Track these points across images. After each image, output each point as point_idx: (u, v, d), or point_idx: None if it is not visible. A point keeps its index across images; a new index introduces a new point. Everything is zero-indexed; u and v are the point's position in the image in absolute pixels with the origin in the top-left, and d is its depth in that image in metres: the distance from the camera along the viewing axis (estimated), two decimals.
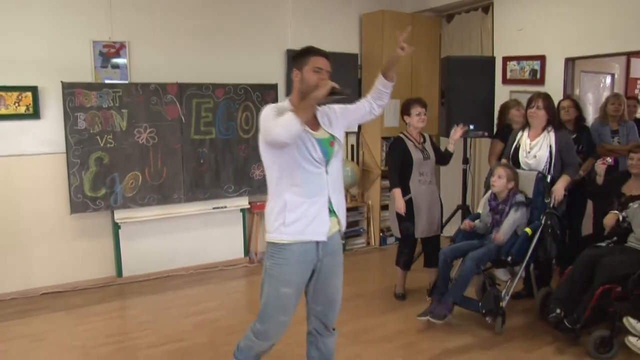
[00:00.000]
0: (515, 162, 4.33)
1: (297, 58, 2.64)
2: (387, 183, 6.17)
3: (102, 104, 4.88)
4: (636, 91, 7.00)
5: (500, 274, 4.70)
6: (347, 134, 6.30)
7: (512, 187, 4.14)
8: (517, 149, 4.33)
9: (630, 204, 3.96)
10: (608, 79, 6.60)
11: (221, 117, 5.42)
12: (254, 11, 5.78)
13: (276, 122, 2.43)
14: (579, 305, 3.69)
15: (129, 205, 5.09)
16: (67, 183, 4.87)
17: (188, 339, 3.99)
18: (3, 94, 4.67)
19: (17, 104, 4.73)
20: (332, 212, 2.68)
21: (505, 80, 5.78)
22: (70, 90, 4.76)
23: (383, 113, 6.09)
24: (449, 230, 5.26)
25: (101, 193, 4.97)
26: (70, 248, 5.09)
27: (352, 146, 6.53)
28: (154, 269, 5.38)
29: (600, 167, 4.35)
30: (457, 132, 4.59)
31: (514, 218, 4.04)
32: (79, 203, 4.89)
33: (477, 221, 4.31)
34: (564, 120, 4.80)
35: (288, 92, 5.87)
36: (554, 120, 4.21)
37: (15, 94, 4.71)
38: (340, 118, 2.77)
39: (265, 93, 5.60)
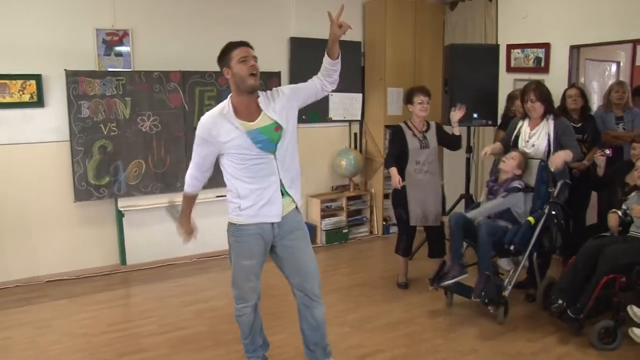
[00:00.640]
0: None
1: (222, 58, 2.78)
2: None
3: (105, 92, 4.85)
4: None
5: (504, 263, 4.67)
6: (350, 122, 6.37)
7: (518, 175, 4.09)
8: (517, 137, 4.28)
9: (630, 195, 3.89)
10: (613, 67, 6.51)
11: None
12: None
13: (189, 172, 2.95)
14: (583, 295, 3.63)
15: (132, 193, 5.08)
16: (71, 171, 4.86)
17: (189, 327, 3.97)
18: (7, 82, 4.63)
19: (21, 92, 4.69)
20: (285, 193, 2.87)
21: (509, 69, 5.73)
22: (73, 78, 4.74)
23: (386, 101, 6.10)
24: None
25: (105, 181, 4.95)
26: (74, 236, 5.07)
27: (355, 134, 6.50)
28: (157, 257, 5.35)
29: (599, 158, 4.30)
30: (456, 114, 4.51)
31: (495, 203, 4.02)
32: (83, 191, 4.88)
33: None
34: (570, 109, 4.74)
35: (292, 80, 5.85)
36: (551, 108, 4.15)
37: (20, 82, 4.68)
38: (291, 99, 2.88)
39: (269, 81, 5.53)
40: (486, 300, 3.90)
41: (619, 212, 3.85)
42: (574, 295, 3.67)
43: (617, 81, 5.34)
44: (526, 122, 4.24)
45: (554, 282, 4.02)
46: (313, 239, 6.06)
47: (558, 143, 4.06)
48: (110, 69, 4.98)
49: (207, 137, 2.79)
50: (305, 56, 5.81)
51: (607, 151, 4.37)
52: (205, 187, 5.08)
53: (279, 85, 5.59)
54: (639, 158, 4.09)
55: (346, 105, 6.24)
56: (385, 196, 6.33)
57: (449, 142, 4.56)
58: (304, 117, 5.78)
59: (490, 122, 5.18)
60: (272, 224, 2.87)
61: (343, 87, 5.96)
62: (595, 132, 4.73)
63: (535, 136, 4.14)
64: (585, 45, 5.22)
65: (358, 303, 4.37)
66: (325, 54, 2.84)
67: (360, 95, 6.33)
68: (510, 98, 5.08)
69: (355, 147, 6.48)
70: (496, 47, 5.33)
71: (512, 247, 3.90)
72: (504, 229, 3.98)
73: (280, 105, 2.84)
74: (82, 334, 3.88)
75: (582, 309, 3.61)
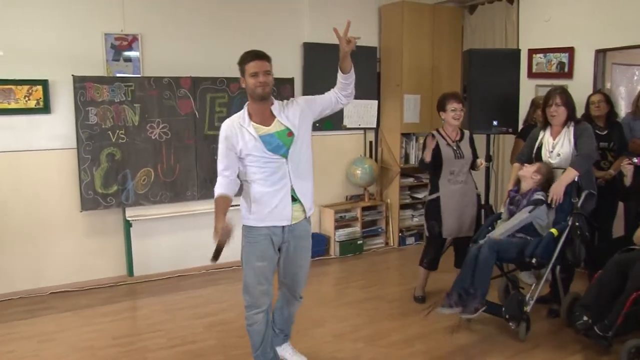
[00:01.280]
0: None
1: (239, 66, 3.02)
2: (406, 181, 6.32)
3: (114, 98, 4.85)
4: None
5: (525, 276, 4.75)
6: (365, 130, 6.34)
7: (538, 180, 4.00)
8: (539, 148, 4.19)
9: None
10: None
11: (236, 112, 5.24)
12: (270, 3, 5.73)
13: (219, 178, 3.05)
14: (611, 311, 3.53)
15: (140, 203, 5.05)
16: (77, 179, 4.84)
17: (198, 341, 3.93)
18: (13, 87, 4.63)
19: (27, 98, 4.69)
20: (296, 199, 3.07)
21: (530, 74, 5.67)
22: (81, 84, 4.73)
23: (403, 109, 6.07)
24: None
25: (112, 190, 4.93)
26: (80, 246, 5.06)
27: (371, 143, 6.46)
28: (166, 269, 5.35)
29: (626, 167, 4.22)
30: (481, 165, 4.50)
31: (519, 220, 3.91)
32: (90, 200, 4.86)
33: (499, 222, 4.16)
34: (594, 116, 4.67)
35: (305, 86, 5.84)
36: (573, 114, 4.07)
37: (26, 87, 4.67)
38: (305, 108, 3.10)
39: (282, 87, 5.53)
40: (507, 316, 3.82)
41: None
42: (599, 312, 3.58)
43: None
44: (547, 132, 4.15)
45: (579, 298, 3.92)
46: (326, 250, 6.03)
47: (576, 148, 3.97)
48: (119, 75, 4.97)
49: (226, 141, 3.02)
50: (319, 62, 5.80)
51: (635, 159, 4.27)
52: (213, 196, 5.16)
53: (292, 91, 5.61)
54: None
55: (361, 113, 6.21)
56: (402, 206, 6.32)
57: (473, 159, 4.52)
58: (317, 124, 5.40)
59: (510, 130, 5.11)
60: (283, 227, 3.08)
61: (358, 93, 5.84)
62: (622, 140, 4.64)
63: (559, 145, 4.06)
64: (611, 49, 5.12)
65: (372, 317, 4.33)
66: (338, 68, 3.02)
67: (376, 102, 6.30)
68: (534, 104, 5.02)
69: (371, 156, 6.45)
70: (517, 52, 5.25)
71: (533, 260, 3.80)
72: (523, 242, 3.89)
73: (293, 113, 3.05)
74: (87, 348, 3.86)
75: (610, 326, 3.50)
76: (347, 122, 6.15)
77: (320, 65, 5.72)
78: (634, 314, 3.49)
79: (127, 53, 5.05)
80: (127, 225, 5.12)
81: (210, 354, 3.73)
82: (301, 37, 5.89)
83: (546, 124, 4.17)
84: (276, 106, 3.06)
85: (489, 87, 5.01)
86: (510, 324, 3.85)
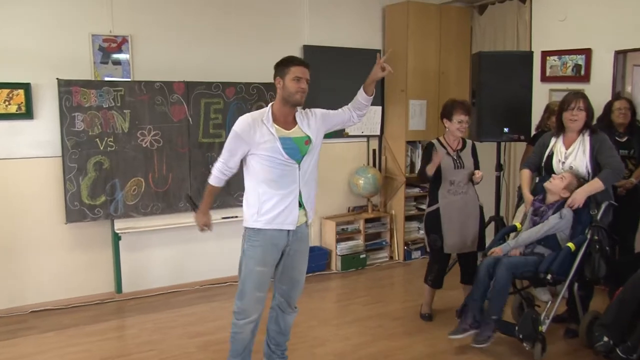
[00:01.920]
0: (549, 172, 4.08)
1: (279, 67, 3.17)
2: (411, 191, 6.33)
3: (102, 103, 4.80)
4: None
5: (540, 293, 4.66)
6: (368, 137, 6.35)
7: (567, 198, 3.90)
8: (550, 157, 4.09)
9: None
10: None
11: (232, 119, 5.25)
12: (268, 4, 5.70)
13: (219, 162, 3.25)
14: (634, 331, 3.43)
15: (130, 214, 5.01)
16: (62, 189, 4.77)
17: None
18: None
19: (7, 103, 4.64)
20: (301, 204, 3.24)
21: (544, 78, 5.61)
22: (66, 88, 4.68)
23: (408, 115, 6.06)
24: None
25: (100, 201, 4.87)
26: (64, 261, 4.98)
27: (374, 151, 6.43)
28: (157, 285, 5.30)
29: None
30: (479, 177, 4.41)
31: (549, 225, 3.83)
32: (76, 211, 4.80)
33: (512, 235, 4.12)
34: (617, 124, 4.60)
35: (313, 90, 5.72)
36: (590, 122, 3.99)
37: (6, 91, 4.62)
38: (321, 121, 3.31)
39: None
40: (521, 336, 3.74)
41: None
42: (621, 332, 3.49)
43: None
44: (560, 140, 4.04)
45: (599, 317, 3.83)
46: (327, 265, 6.00)
47: (595, 163, 3.86)
48: (107, 79, 4.94)
49: (243, 135, 3.11)
50: (319, 65, 5.73)
51: None
52: (211, 208, 5.19)
53: None
54: None
55: (364, 119, 5.94)
56: (407, 218, 6.29)
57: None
58: None
59: (522, 137, 5.04)
60: (288, 231, 3.22)
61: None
62: None
63: (572, 156, 3.95)
64: (632, 50, 5.03)
65: (376, 336, 4.28)
66: (362, 89, 3.30)
67: (380, 108, 6.27)
68: (548, 110, 4.95)
69: (374, 165, 6.41)
70: (530, 55, 5.19)
71: (548, 276, 3.73)
72: (539, 258, 3.82)
73: (313, 123, 3.27)
74: None
75: (634, 349, 3.40)
76: (349, 129, 6.12)
77: (321, 70, 5.67)
78: None
79: (116, 55, 5.01)
80: (116, 238, 5.07)
81: None
82: (301, 39, 5.88)
83: (559, 130, 4.05)
84: (299, 114, 3.25)
85: (499, 92, 4.97)
86: (525, 344, 3.77)
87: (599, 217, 3.82)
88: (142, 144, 4.97)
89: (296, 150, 3.17)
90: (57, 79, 4.65)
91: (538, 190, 4.14)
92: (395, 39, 6.15)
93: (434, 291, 4.58)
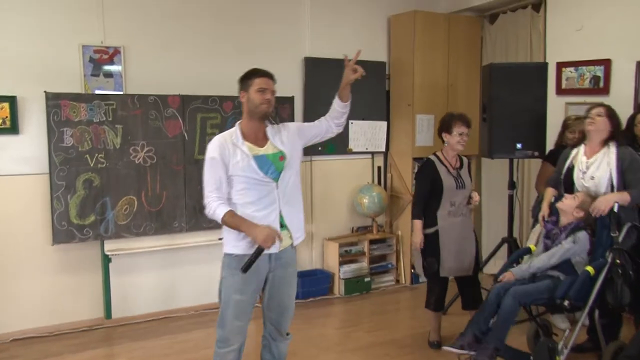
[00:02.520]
0: (569, 187, 4.02)
1: (243, 81, 3.18)
2: None
3: (92, 117, 4.78)
4: None
5: (558, 320, 4.55)
6: (373, 154, 6.32)
7: (580, 218, 3.83)
8: (570, 169, 4.03)
9: None
10: None
11: None
12: (267, 14, 5.69)
13: (210, 200, 3.07)
14: None
15: (122, 235, 4.97)
16: (49, 208, 4.72)
17: None
18: None
19: None
20: (283, 225, 3.18)
21: (559, 91, 5.53)
22: (55, 101, 4.65)
23: (415, 131, 6.04)
24: (493, 268, 5.06)
25: (90, 220, 4.82)
26: (50, 285, 4.92)
27: (379, 168, 6.39)
28: (149, 310, 5.23)
29: None
30: (477, 200, 4.44)
31: (563, 251, 3.76)
32: (63, 232, 4.75)
33: (526, 258, 4.05)
34: None
35: (306, 105, 5.81)
36: (616, 133, 3.91)
37: None
38: (295, 135, 3.30)
39: (281, 107, 5.48)
40: None
41: None
42: None
43: None
44: (581, 150, 3.99)
45: (623, 347, 3.70)
46: (330, 289, 5.93)
47: (622, 178, 3.79)
48: (98, 92, 4.91)
49: (218, 157, 3.09)
50: (321, 78, 5.75)
51: None
52: (207, 228, 5.16)
53: (292, 112, 5.64)
54: None
55: (368, 135, 6.16)
56: None
57: None
58: (320, 148, 5.73)
59: (536, 154, 5.01)
60: (270, 255, 3.16)
61: (365, 113, 6.14)
62: None
63: (594, 166, 3.89)
64: None
65: None
66: (336, 96, 3.25)
67: (385, 123, 6.24)
68: (566, 124, 4.89)
69: (379, 183, 6.38)
70: (544, 66, 5.15)
71: (566, 303, 3.63)
72: (555, 283, 3.74)
73: (286, 137, 3.25)
74: None
75: None
76: (352, 145, 6.09)
77: (323, 83, 5.66)
78: None
79: (107, 67, 4.99)
80: (106, 260, 5.01)
81: None
82: (302, 51, 5.85)
83: (581, 141, 4.04)
84: (270, 128, 3.23)
85: (512, 106, 4.94)
86: None
87: (620, 239, 3.72)
88: (134, 161, 4.93)
89: (272, 167, 3.16)
90: (44, 92, 4.61)
91: (552, 212, 4.09)
92: (401, 50, 6.12)
93: (440, 316, 4.54)
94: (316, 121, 3.37)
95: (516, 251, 4.44)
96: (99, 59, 4.93)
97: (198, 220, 5.18)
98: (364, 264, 6.01)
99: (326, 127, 3.33)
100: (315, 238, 6.00)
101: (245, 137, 3.14)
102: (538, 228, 4.28)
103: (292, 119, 5.50)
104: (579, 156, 3.99)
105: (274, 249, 3.11)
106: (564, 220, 3.91)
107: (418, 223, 4.31)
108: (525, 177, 5.94)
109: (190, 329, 4.94)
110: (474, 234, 4.47)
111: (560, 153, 4.60)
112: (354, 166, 6.23)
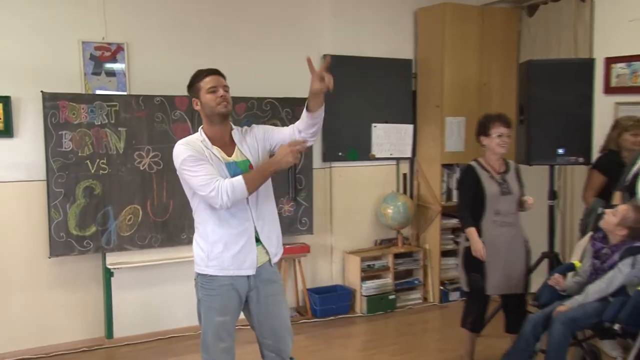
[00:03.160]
0: (632, 195, 3.85)
1: (190, 88, 3.09)
2: (448, 222, 6.12)
3: (93, 120, 4.75)
4: None
5: (607, 347, 4.40)
6: (398, 160, 6.21)
7: (624, 235, 3.64)
8: (636, 176, 3.86)
9: None
10: None
11: None
12: (283, 8, 5.64)
13: (215, 184, 2.85)
14: None
15: (125, 247, 4.93)
16: (46, 218, 4.68)
17: None
18: None
19: None
20: (258, 241, 3.08)
21: (608, 89, 5.35)
22: (53, 102, 4.61)
23: (444, 135, 5.92)
24: (532, 286, 4.76)
25: (90, 231, 4.79)
26: (46, 301, 4.87)
27: (405, 176, 6.27)
28: (153, 328, 5.17)
29: None
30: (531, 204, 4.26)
31: (622, 277, 3.54)
32: (62, 243, 4.71)
33: (569, 275, 3.90)
34: None
35: (325, 105, 5.53)
36: None
37: None
38: (261, 138, 3.16)
39: (297, 109, 5.33)
40: None
41: None
42: None
43: None
44: None
45: None
46: (351, 307, 5.81)
47: None
48: (99, 92, 4.89)
49: (196, 153, 2.95)
50: (341, 77, 5.48)
51: None
52: None
53: None
54: None
55: (393, 140, 6.07)
56: (444, 254, 6.11)
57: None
58: (340, 154, 5.68)
59: (581, 160, 4.83)
60: (248, 276, 3.08)
61: (389, 116, 5.97)
62: None
63: None
64: None
65: None
66: (305, 106, 3.02)
67: (411, 126, 6.16)
68: (619, 126, 4.71)
69: (405, 192, 6.29)
70: (590, 62, 4.97)
71: (616, 326, 3.47)
72: (602, 304, 3.56)
73: (252, 143, 3.14)
74: None
75: None
76: (376, 150, 6.00)
77: (343, 82, 5.51)
78: None
79: (109, 65, 4.97)
80: (108, 274, 4.96)
81: None
82: (320, 48, 5.74)
83: None
84: (236, 132, 3.14)
85: (553, 107, 4.79)
86: None
87: None
88: (139, 167, 4.91)
89: None
90: (41, 92, 4.58)
91: (585, 226, 4.05)
92: (429, 47, 6.02)
93: (475, 337, 4.36)
94: (284, 128, 3.20)
95: (558, 267, 4.26)
96: (101, 57, 4.91)
97: None
98: (388, 279, 5.92)
99: (290, 135, 3.10)
100: (335, 251, 5.89)
101: (213, 142, 3.04)
102: (583, 241, 4.12)
103: None
104: None
105: (249, 271, 3.02)
106: (612, 238, 3.73)
107: (472, 231, 4.15)
108: (567, 185, 5.78)
109: (196, 350, 4.71)
110: (526, 247, 4.31)
111: (607, 160, 4.45)
112: (377, 173, 6.14)
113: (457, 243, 6.08)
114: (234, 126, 3.14)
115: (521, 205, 4.23)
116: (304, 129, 3.06)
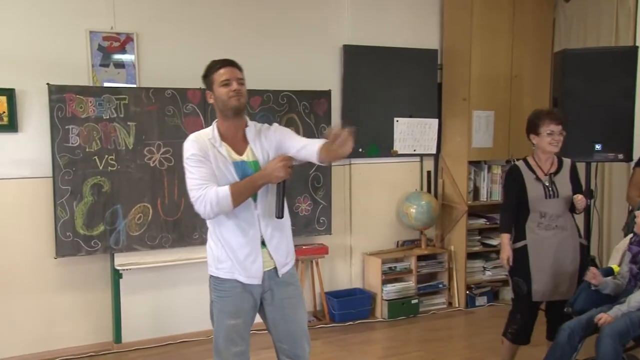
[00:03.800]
0: None
1: (204, 79, 3.04)
2: (475, 223, 6.06)
3: (101, 114, 4.74)
4: None
5: None
6: (422, 157, 6.15)
7: None
8: None
9: None
10: None
11: None
12: None
13: (202, 191, 2.84)
14: None
15: (134, 247, 4.93)
16: (52, 217, 4.67)
17: None
18: None
19: None
20: (265, 247, 3.04)
21: None
22: (59, 95, 4.60)
23: (471, 130, 5.84)
24: None
25: (98, 231, 4.78)
26: (51, 304, 4.85)
27: (429, 173, 6.21)
28: (163, 333, 5.16)
29: None
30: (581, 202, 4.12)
31: None
32: (68, 243, 4.70)
33: (608, 279, 3.80)
34: None
35: (345, 98, 5.73)
36: None
37: None
38: (279, 144, 3.05)
39: (315, 102, 5.39)
40: None
41: None
42: None
43: None
44: None
45: None
46: (371, 311, 5.76)
47: None
48: (108, 85, 4.89)
49: (200, 153, 2.95)
50: (362, 69, 5.64)
51: None
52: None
53: (329, 107, 5.57)
54: None
55: (417, 135, 6.02)
56: (470, 256, 6.03)
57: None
58: (360, 150, 5.60)
59: (621, 157, 4.75)
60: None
61: (413, 110, 5.87)
62: None
63: None
64: None
65: None
66: (316, 152, 2.88)
67: (436, 121, 6.10)
68: None
69: (429, 190, 6.25)
70: (634, 50, 4.85)
71: None
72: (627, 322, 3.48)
73: (268, 144, 3.06)
74: None
75: None
76: (398, 147, 5.96)
77: (364, 74, 5.55)
78: None
79: (118, 57, 4.96)
80: (116, 276, 4.95)
81: None
82: (340, 38, 5.73)
83: None
84: (251, 129, 3.07)
85: (590, 100, 4.75)
86: None
87: None
88: (149, 163, 4.91)
89: None
90: (47, 84, 4.56)
91: (631, 227, 3.94)
92: (456, 36, 5.96)
93: (516, 348, 4.21)
94: (311, 141, 3.01)
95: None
96: (109, 47, 4.90)
97: None
98: (410, 283, 5.89)
99: (308, 155, 2.95)
100: (354, 253, 5.84)
101: (224, 138, 3.00)
102: (622, 244, 4.02)
103: (328, 116, 5.41)
104: None
105: (255, 280, 2.98)
106: None
107: (505, 237, 4.13)
108: (605, 184, 5.68)
109: (209, 355, 4.70)
110: (580, 250, 4.18)
111: None
112: (399, 171, 6.11)
113: (484, 245, 6.09)
114: (249, 122, 3.09)
115: (573, 206, 4.09)
116: (326, 155, 2.90)
